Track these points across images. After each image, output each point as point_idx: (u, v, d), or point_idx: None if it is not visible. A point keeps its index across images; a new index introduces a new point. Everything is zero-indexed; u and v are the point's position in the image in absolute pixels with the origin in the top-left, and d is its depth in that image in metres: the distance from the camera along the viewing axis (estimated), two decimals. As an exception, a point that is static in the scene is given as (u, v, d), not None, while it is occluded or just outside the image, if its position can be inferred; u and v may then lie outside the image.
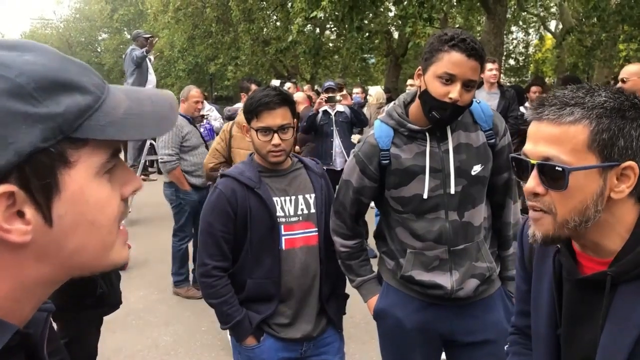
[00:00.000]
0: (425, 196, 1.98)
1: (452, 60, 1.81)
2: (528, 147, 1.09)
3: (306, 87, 12.22)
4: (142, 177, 7.80)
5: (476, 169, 2.00)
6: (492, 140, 2.05)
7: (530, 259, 1.31)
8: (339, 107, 5.87)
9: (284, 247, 2.15)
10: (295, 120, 2.22)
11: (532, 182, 1.08)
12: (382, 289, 2.19)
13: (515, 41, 24.58)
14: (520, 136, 5.63)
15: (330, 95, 5.75)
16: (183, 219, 4.98)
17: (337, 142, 5.79)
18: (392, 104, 2.12)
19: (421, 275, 2.04)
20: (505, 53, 17.58)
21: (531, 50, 24.86)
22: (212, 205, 2.17)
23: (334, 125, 5.82)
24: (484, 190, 2.07)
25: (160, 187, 5.22)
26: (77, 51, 34.73)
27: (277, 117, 2.11)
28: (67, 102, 0.61)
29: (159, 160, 4.95)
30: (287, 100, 2.15)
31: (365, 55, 18.27)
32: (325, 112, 5.84)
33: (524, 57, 24.44)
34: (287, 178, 2.24)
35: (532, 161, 1.07)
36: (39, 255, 0.63)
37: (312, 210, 2.22)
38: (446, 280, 2.01)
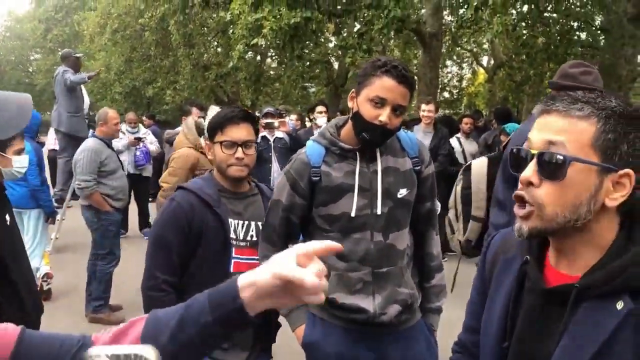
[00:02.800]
0: (353, 214, 2.00)
1: (384, 85, 1.89)
2: (533, 134, 1.09)
3: (246, 113, 12.13)
4: (71, 201, 7.47)
5: (402, 192, 2.05)
6: (418, 167, 2.12)
7: (492, 270, 1.28)
8: (278, 134, 5.87)
9: (232, 269, 2.12)
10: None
11: (529, 171, 1.06)
12: (308, 318, 2.15)
13: (449, 75, 25.54)
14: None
15: (269, 121, 5.74)
16: (108, 241, 4.84)
17: (275, 167, 5.76)
18: (325, 126, 2.17)
19: (344, 299, 2.03)
20: (440, 86, 18.20)
21: (464, 83, 25.87)
22: (168, 217, 2.13)
23: (272, 151, 5.80)
24: (408, 215, 2.12)
25: (88, 213, 5.02)
26: (7, 70, 33.37)
27: (242, 131, 2.14)
28: None
29: (76, 187, 4.81)
30: (250, 118, 2.18)
31: (306, 84, 18.49)
32: (264, 137, 5.82)
33: (457, 90, 25.40)
34: (244, 202, 2.24)
35: (533, 151, 1.07)
36: None
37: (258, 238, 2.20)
38: (369, 303, 2.02)
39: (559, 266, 1.12)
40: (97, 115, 5.06)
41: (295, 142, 5.88)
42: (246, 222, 2.20)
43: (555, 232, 1.07)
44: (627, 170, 1.03)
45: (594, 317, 1.02)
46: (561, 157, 1.02)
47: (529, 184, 1.06)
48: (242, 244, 2.18)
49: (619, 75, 11.10)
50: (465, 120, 7.61)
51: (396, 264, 2.06)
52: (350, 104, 2.03)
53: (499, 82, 18.22)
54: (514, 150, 1.12)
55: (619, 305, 1.00)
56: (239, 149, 2.13)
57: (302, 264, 0.89)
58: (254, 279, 0.90)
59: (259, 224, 2.21)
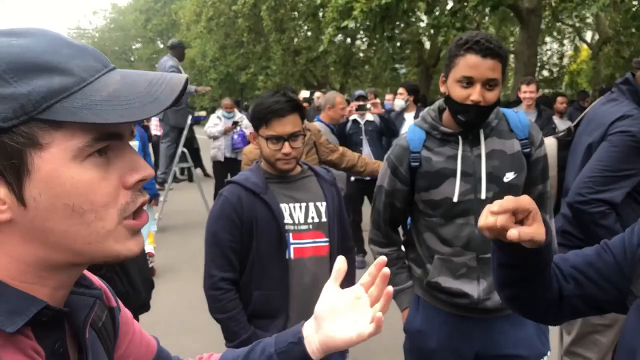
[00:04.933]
0: (455, 199, 1.95)
1: (467, 63, 1.83)
2: None
3: (336, 96, 12.19)
4: (173, 183, 7.86)
5: (509, 176, 1.97)
6: (527, 150, 2.01)
7: None
8: (369, 117, 5.83)
9: (292, 256, 2.07)
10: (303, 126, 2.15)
11: None
12: (413, 301, 2.15)
13: (549, 52, 24.22)
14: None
15: (361, 103, 5.71)
16: None
17: (366, 150, 5.74)
18: (427, 109, 2.12)
19: (448, 282, 1.99)
20: (539, 64, 17.33)
21: (565, 61, 24.45)
22: (218, 213, 2.11)
23: (363, 134, 5.78)
24: None
25: (189, 195, 5.24)
26: (112, 60, 35.46)
27: (288, 124, 2.04)
28: (39, 83, 0.60)
29: None
30: (297, 107, 2.09)
31: (396, 65, 18.22)
32: (354, 121, 5.80)
33: (558, 69, 24.05)
34: (295, 184, 2.16)
35: None
36: (24, 235, 0.63)
37: (324, 219, 2.15)
38: (473, 288, 1.97)
39: None
40: (325, 99, 5.10)
41: (387, 125, 5.82)
42: (303, 205, 2.13)
43: None
44: None
45: None
46: None
47: None
48: (304, 227, 2.11)
49: None
50: (559, 99, 7.27)
51: None
52: (442, 89, 1.98)
53: (605, 58, 17.10)
54: None
55: None
56: (286, 143, 2.04)
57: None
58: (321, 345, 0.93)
59: (319, 204, 2.16)
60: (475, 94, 1.84)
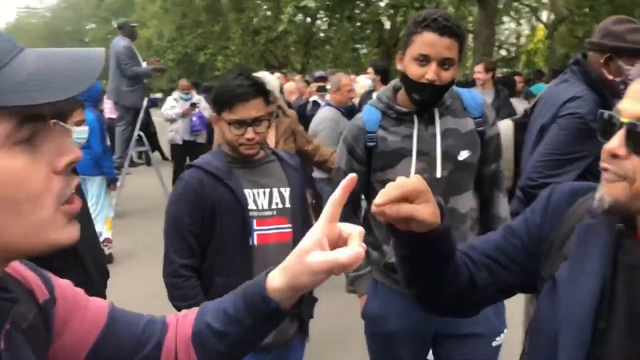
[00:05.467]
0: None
1: (424, 40, 1.82)
2: (625, 105, 0.98)
3: (297, 77, 12.11)
4: (130, 168, 7.68)
5: (463, 154, 1.98)
6: (481, 128, 2.03)
7: (555, 237, 1.14)
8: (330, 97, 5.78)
9: (256, 242, 2.03)
10: (268, 107, 2.10)
11: (616, 142, 0.95)
12: (371, 285, 2.15)
13: (506, 32, 24.56)
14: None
15: (321, 84, 5.66)
16: None
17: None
18: (382, 88, 2.12)
19: None
20: (497, 44, 17.55)
21: (522, 40, 24.84)
22: (178, 197, 2.04)
23: (324, 115, 5.73)
24: (471, 178, 2.04)
25: (147, 179, 5.12)
26: (64, 41, 34.38)
27: (252, 109, 1.97)
28: None
29: None
30: (261, 91, 2.02)
31: (357, 46, 18.18)
32: (315, 102, 5.75)
33: (515, 48, 24.42)
34: (259, 169, 2.10)
35: (623, 119, 0.95)
36: None
37: (287, 205, 2.09)
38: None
39: None
40: (331, 82, 4.94)
41: (347, 106, 5.78)
42: (267, 190, 2.08)
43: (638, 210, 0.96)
44: None
45: None
46: None
47: (614, 156, 0.95)
48: (267, 213, 2.05)
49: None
50: (516, 78, 7.37)
51: (458, 228, 1.99)
52: (399, 66, 1.98)
53: (560, 38, 17.41)
54: (603, 115, 1.01)
55: None
56: (249, 128, 1.98)
57: (332, 237, 0.82)
58: (285, 283, 0.82)
59: (283, 190, 2.10)
60: (430, 73, 1.83)
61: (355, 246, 0.77)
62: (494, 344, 2.08)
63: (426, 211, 0.98)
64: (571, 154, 2.36)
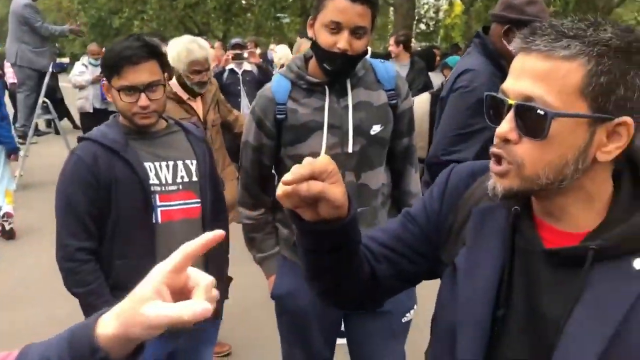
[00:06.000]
0: (322, 154, 1.88)
1: (337, 7, 1.75)
2: (508, 84, 0.91)
3: (217, 44, 11.77)
4: (35, 137, 7.23)
5: (376, 128, 1.93)
6: (394, 102, 1.98)
7: (454, 220, 1.10)
8: (247, 66, 5.66)
9: (160, 220, 1.89)
10: (166, 75, 1.94)
11: (506, 126, 0.89)
12: (280, 264, 2.08)
13: (426, 6, 24.96)
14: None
15: (237, 52, 5.52)
16: None
17: (245, 102, 5.59)
18: (292, 57, 2.03)
19: None
20: (416, 17, 17.81)
21: (441, 15, 25.36)
22: (70, 175, 1.86)
23: (241, 85, 5.61)
24: (383, 152, 2.01)
25: (55, 149, 4.84)
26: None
27: (143, 73, 1.81)
28: None
29: None
30: (154, 53, 1.86)
31: (279, 15, 17.89)
32: (232, 70, 5.61)
33: (434, 22, 24.92)
34: (160, 141, 1.94)
35: (510, 101, 0.89)
36: None
37: (194, 179, 1.96)
38: None
39: (551, 221, 0.96)
40: (294, 47, 4.58)
41: (265, 74, 5.69)
42: (171, 163, 1.93)
43: (535, 193, 0.94)
44: (624, 118, 0.86)
45: (612, 282, 0.87)
46: (542, 112, 0.85)
47: (506, 140, 0.90)
48: (172, 188, 1.91)
49: (596, 6, 10.94)
50: (435, 52, 7.50)
51: (369, 204, 1.97)
52: (309, 33, 1.89)
53: (476, 14, 17.88)
54: (489, 97, 0.96)
55: (637, 264, 0.87)
56: (142, 95, 1.81)
57: (175, 285, 0.71)
58: (117, 332, 0.69)
59: (189, 162, 1.97)
60: (342, 42, 1.76)
61: (201, 301, 0.68)
62: (404, 319, 2.09)
63: (337, 190, 0.92)
64: (469, 127, 2.39)
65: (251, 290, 3.63)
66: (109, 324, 0.70)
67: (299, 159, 1.89)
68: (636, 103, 0.86)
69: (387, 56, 6.91)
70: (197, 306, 0.67)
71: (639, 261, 0.87)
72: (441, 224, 1.10)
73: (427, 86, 6.38)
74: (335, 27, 1.77)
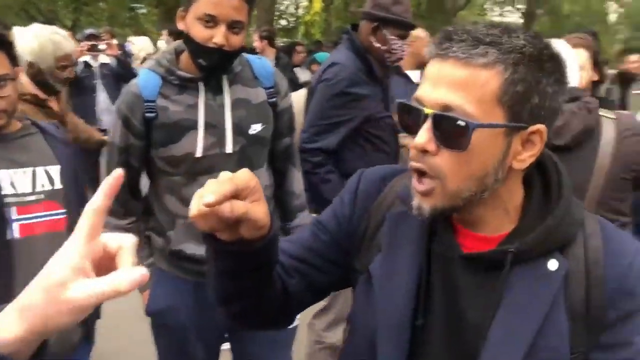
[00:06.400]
0: (198, 154, 1.78)
1: None
2: (424, 91, 0.86)
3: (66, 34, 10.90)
4: None
5: (255, 127, 1.87)
6: (274, 99, 1.93)
7: (367, 226, 1.05)
8: (104, 59, 5.30)
9: (18, 235, 1.62)
10: (16, 69, 1.69)
11: (424, 137, 0.84)
12: (155, 277, 1.92)
13: (286, 2, 25.19)
14: None
15: (93, 43, 5.14)
16: None
17: (102, 97, 5.22)
18: (161, 51, 1.89)
19: (193, 249, 1.82)
20: (277, 13, 17.90)
21: (301, 11, 25.73)
22: None
23: (97, 78, 5.22)
24: (264, 152, 1.95)
25: None
26: None
27: None
28: None
29: None
30: (1, 42, 1.63)
31: (134, 5, 17.02)
32: (86, 63, 5.21)
33: (294, 19, 25.22)
34: (14, 144, 1.68)
35: (427, 111, 0.85)
36: None
37: (58, 186, 1.73)
38: None
39: (469, 227, 0.95)
40: None
41: (125, 67, 5.36)
42: (29, 170, 1.69)
43: (459, 209, 0.91)
44: (538, 126, 0.86)
45: (530, 284, 0.88)
46: (462, 123, 0.82)
47: (424, 151, 0.86)
48: (32, 198, 1.67)
49: (445, 7, 11.75)
50: (298, 48, 7.54)
51: None
52: (180, 26, 1.78)
53: (335, 11, 18.35)
54: (403, 105, 0.92)
55: (552, 265, 0.89)
56: None
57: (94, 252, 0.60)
58: (24, 333, 0.58)
59: (51, 168, 1.74)
60: (219, 36, 1.67)
61: (130, 266, 0.59)
62: (290, 326, 2.05)
63: (261, 209, 0.83)
64: (333, 117, 2.50)
65: (123, 304, 3.37)
66: (12, 324, 0.57)
67: (172, 160, 1.80)
68: (547, 111, 0.87)
69: (251, 51, 6.84)
70: (133, 273, 0.57)
71: (553, 262, 0.89)
72: (353, 231, 1.06)
73: (292, 81, 6.43)
74: (211, 21, 1.68)
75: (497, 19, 24.08)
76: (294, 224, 2.09)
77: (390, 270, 0.97)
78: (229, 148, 1.82)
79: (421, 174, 0.88)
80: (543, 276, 0.88)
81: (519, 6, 20.93)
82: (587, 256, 0.90)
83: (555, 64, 0.86)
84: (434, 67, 0.86)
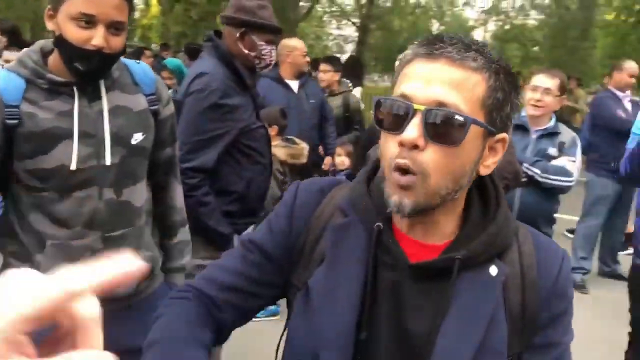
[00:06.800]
0: (73, 167, 1.59)
1: None
2: (413, 89, 0.86)
3: None
4: None
5: (137, 137, 1.72)
6: (155, 107, 1.79)
7: (306, 239, 1.01)
8: None
9: None
10: None
11: (415, 132, 0.84)
12: None
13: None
14: None
15: None
16: None
17: None
18: (25, 51, 1.66)
19: None
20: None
21: (137, 14, 24.66)
22: None
23: None
24: (145, 164, 1.80)
25: None
26: None
27: None
28: None
29: None
30: None
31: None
32: None
33: (132, 22, 24.14)
34: None
35: (417, 106, 0.85)
36: None
37: None
38: None
39: (414, 234, 0.95)
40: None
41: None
42: None
43: (434, 207, 0.90)
44: (504, 134, 0.93)
45: (475, 290, 0.90)
46: (460, 119, 0.84)
47: (413, 147, 0.85)
48: None
49: (286, 18, 11.99)
50: (146, 52, 7.33)
51: (134, 224, 1.74)
52: (49, 26, 1.59)
53: (174, 16, 17.91)
54: (387, 102, 0.89)
55: (493, 271, 0.91)
56: None
57: None
58: None
59: None
60: (98, 38, 1.52)
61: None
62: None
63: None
64: (208, 132, 2.34)
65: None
66: None
67: (41, 174, 1.57)
68: (510, 121, 0.93)
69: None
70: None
71: (493, 268, 0.92)
72: (291, 244, 1.02)
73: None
74: (88, 21, 1.51)
75: (335, 31, 25.23)
76: (176, 241, 1.95)
77: (332, 283, 0.94)
78: (107, 160, 1.65)
79: (404, 171, 0.87)
80: (486, 282, 0.91)
81: (354, 20, 22.03)
82: (522, 261, 0.95)
83: (516, 81, 0.93)
84: (424, 66, 0.87)
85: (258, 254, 1.03)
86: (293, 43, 4.45)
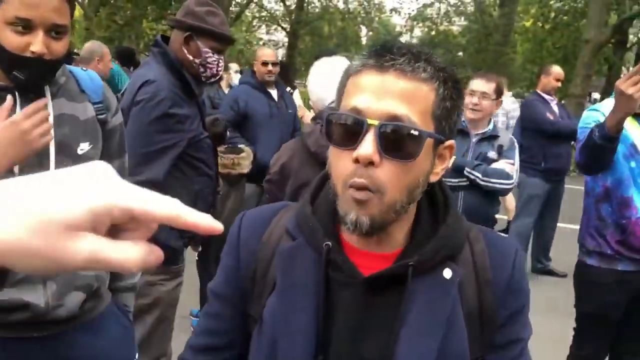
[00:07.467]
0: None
1: (24, 0, 1.40)
2: (365, 102, 0.84)
3: None
4: None
5: (84, 147, 1.63)
6: (103, 116, 1.70)
7: (256, 268, 0.98)
8: None
9: None
10: None
11: (370, 148, 0.82)
12: None
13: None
14: None
15: None
16: None
17: None
18: None
19: (1, 295, 1.47)
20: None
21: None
22: None
23: None
24: None
25: None
26: None
27: None
28: None
29: None
30: None
31: None
32: None
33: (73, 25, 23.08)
34: None
35: (371, 121, 0.82)
36: None
37: None
38: (38, 296, 1.52)
39: (365, 246, 0.94)
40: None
41: None
42: None
43: (390, 222, 0.89)
44: (451, 141, 0.93)
45: (431, 294, 0.90)
46: (416, 133, 0.83)
47: (369, 164, 0.83)
48: None
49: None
50: (76, 58, 6.95)
51: None
52: None
53: (98, 20, 17.33)
54: (339, 117, 0.87)
55: (447, 274, 0.91)
56: None
57: None
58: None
59: None
60: (37, 44, 1.41)
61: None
62: None
63: None
64: (158, 143, 2.23)
65: None
66: None
67: None
68: (456, 127, 0.94)
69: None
70: (150, 251, 0.45)
71: (447, 271, 0.91)
72: (242, 278, 0.99)
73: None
74: (24, 25, 1.41)
75: (264, 37, 25.17)
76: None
77: (285, 312, 0.92)
78: (51, 170, 1.52)
79: (360, 189, 0.84)
80: (441, 285, 0.91)
81: (284, 25, 22.08)
82: (475, 261, 0.95)
83: (461, 88, 0.93)
84: (374, 78, 0.85)
85: (221, 304, 1.02)
86: (259, 52, 4.43)
